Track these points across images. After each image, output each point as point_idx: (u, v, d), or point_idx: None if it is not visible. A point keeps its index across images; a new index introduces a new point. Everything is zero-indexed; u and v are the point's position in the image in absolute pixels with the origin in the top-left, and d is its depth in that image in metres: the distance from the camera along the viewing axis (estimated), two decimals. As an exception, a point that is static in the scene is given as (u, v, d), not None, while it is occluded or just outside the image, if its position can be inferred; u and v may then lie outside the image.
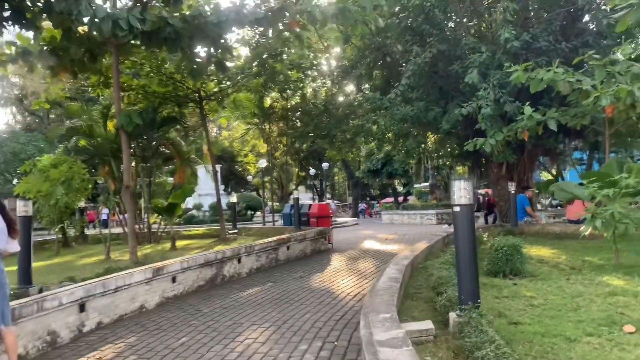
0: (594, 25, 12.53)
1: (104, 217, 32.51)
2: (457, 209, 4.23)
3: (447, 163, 17.90)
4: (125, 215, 24.48)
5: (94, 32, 10.63)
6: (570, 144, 16.65)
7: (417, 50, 12.07)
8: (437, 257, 8.45)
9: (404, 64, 13.23)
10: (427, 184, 34.06)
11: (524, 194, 13.03)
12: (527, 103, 9.98)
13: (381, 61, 14.63)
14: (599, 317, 4.49)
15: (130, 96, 16.27)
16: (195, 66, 13.01)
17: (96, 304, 6.75)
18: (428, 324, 4.20)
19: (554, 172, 27.69)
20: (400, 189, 45.24)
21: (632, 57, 8.75)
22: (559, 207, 22.69)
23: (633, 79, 8.82)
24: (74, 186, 12.70)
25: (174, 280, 8.55)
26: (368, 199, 47.99)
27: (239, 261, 10.49)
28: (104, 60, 13.14)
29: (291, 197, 43.06)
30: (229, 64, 14.27)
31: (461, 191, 4.21)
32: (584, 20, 13.05)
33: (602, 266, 7.21)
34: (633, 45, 8.83)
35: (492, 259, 7.28)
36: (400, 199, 42.65)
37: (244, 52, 16.32)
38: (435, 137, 16.11)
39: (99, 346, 5.71)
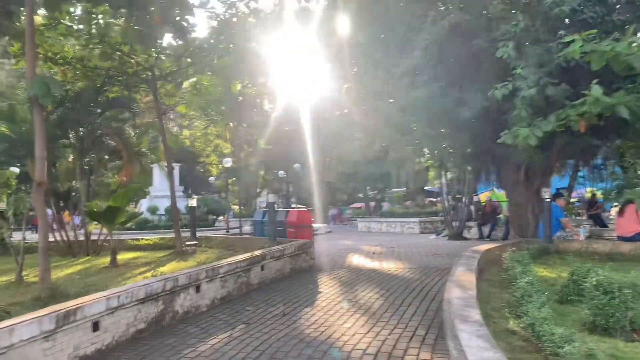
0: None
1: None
2: None
3: (453, 164, 15.22)
4: (76, 217, 20.99)
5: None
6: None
7: (435, 15, 9.44)
8: (490, 296, 5.81)
9: (412, 39, 10.54)
10: (405, 189, 31.56)
11: (556, 203, 10.58)
12: (595, 81, 7.44)
13: (382, 35, 11.93)
14: None
15: (67, 72, 13.08)
16: (145, 30, 10.04)
17: None
18: None
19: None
20: (370, 194, 42.58)
21: None
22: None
23: None
24: (-25, 182, 9.46)
25: (95, 327, 5.56)
26: (339, 204, 45.19)
27: (198, 289, 7.56)
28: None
29: (257, 201, 39.97)
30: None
31: None
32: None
33: None
34: None
35: (597, 305, 4.65)
36: (373, 204, 40.03)
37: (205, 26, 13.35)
38: (442, 132, 13.46)
39: None
